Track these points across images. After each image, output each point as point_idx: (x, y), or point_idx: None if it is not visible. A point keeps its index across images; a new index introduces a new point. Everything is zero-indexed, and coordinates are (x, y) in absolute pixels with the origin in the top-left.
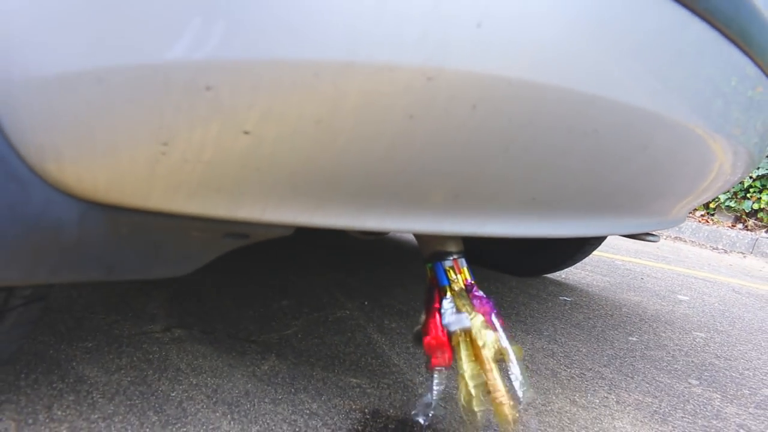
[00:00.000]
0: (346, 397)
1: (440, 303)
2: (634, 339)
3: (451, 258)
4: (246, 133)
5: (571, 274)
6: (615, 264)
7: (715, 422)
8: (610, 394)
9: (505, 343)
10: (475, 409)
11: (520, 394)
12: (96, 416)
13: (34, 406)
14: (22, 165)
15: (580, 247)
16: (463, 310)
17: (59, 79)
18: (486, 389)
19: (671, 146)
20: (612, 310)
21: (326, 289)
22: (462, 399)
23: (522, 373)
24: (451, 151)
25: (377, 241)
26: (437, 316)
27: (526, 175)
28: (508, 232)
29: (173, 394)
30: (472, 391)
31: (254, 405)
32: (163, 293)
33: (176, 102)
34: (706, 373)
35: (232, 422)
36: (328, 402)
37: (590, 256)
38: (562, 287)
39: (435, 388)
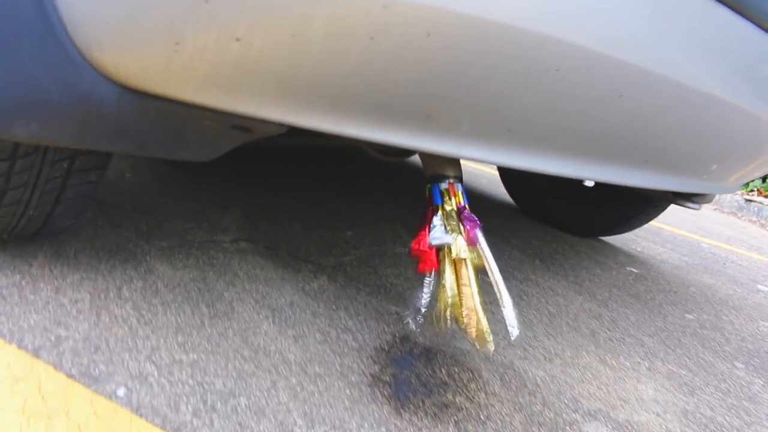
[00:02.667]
0: (381, 321)
1: (432, 219)
2: (691, 317)
3: (447, 181)
4: (238, 39)
5: (648, 249)
6: (700, 246)
7: (746, 404)
8: (644, 360)
9: (492, 264)
10: (447, 316)
11: (509, 328)
12: (156, 301)
13: (107, 285)
14: (76, 52)
15: (636, 214)
16: (451, 228)
17: None
18: (460, 302)
19: (655, 97)
20: (678, 287)
21: (392, 227)
22: (439, 305)
23: (509, 303)
24: (412, 72)
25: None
26: (427, 230)
27: (493, 104)
28: (487, 158)
29: (226, 294)
30: (447, 300)
31: (295, 314)
32: (239, 210)
33: (184, 10)
34: (756, 360)
35: (271, 324)
36: (364, 322)
37: (675, 234)
38: (633, 259)
39: (424, 295)
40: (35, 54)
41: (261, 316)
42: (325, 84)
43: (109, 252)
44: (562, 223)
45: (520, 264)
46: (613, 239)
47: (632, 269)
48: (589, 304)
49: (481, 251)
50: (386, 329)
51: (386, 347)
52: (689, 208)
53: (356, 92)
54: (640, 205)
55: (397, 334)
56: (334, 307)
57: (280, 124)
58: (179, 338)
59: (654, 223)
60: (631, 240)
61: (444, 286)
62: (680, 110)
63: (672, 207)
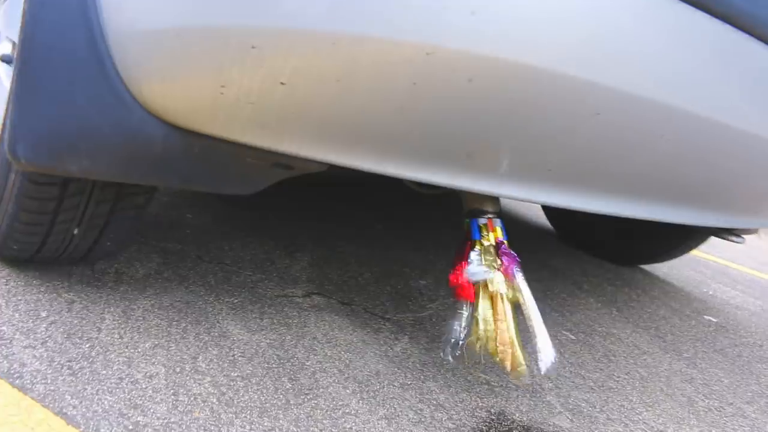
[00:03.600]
0: (473, 393)
1: (470, 254)
2: None
3: (486, 216)
4: (282, 84)
5: (720, 291)
6: None
7: None
8: None
9: (528, 299)
10: (477, 349)
11: (540, 362)
12: (235, 374)
13: (182, 356)
14: (127, 93)
15: (676, 245)
16: (488, 263)
17: (152, 32)
18: (495, 337)
19: (699, 138)
20: (762, 339)
21: None
22: (474, 338)
23: (544, 337)
24: (454, 115)
25: (522, 229)
26: (465, 264)
27: (533, 147)
28: (526, 197)
29: (308, 363)
30: (481, 333)
31: (383, 387)
32: (307, 256)
33: (231, 56)
34: None
35: (360, 402)
36: (456, 396)
37: (743, 273)
38: (707, 305)
39: (457, 328)
40: (88, 94)
41: (348, 390)
42: (368, 126)
43: (179, 311)
44: (602, 252)
45: (598, 315)
46: (682, 281)
47: (710, 318)
48: (678, 363)
49: (517, 286)
50: (480, 403)
51: (484, 428)
52: (732, 241)
53: (398, 134)
54: (681, 237)
55: (492, 410)
56: (422, 377)
57: (322, 163)
58: (265, 422)
59: (719, 260)
60: (701, 282)
61: (479, 319)
62: (723, 150)
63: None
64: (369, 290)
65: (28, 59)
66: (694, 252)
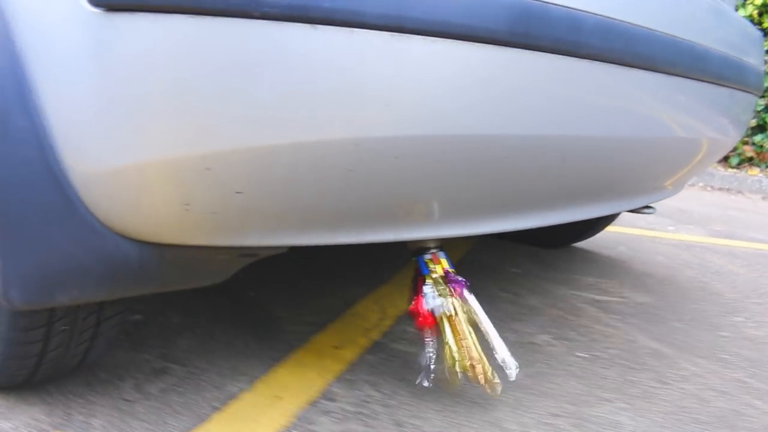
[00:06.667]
0: None
1: (422, 288)
2: None
3: (430, 252)
4: (238, 192)
5: None
6: None
7: None
8: None
9: (482, 317)
10: (456, 370)
11: (506, 367)
12: None
13: None
14: (99, 223)
15: (596, 224)
16: (441, 292)
17: (113, 171)
18: (465, 356)
19: (595, 156)
20: None
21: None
22: (447, 361)
23: (502, 348)
24: (389, 185)
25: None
26: (421, 299)
27: (461, 193)
28: (461, 232)
29: None
30: (455, 356)
31: None
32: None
33: (189, 180)
34: None
35: None
36: None
37: None
38: None
39: (428, 355)
40: (64, 233)
41: None
42: (317, 210)
43: None
44: (535, 240)
45: None
46: None
47: None
48: None
49: (470, 306)
50: None
51: None
52: (643, 213)
53: (343, 212)
54: (598, 217)
55: None
56: None
57: (283, 247)
58: None
59: None
60: None
61: (447, 344)
62: (605, 154)
63: None
64: None
65: (4, 214)
66: None
